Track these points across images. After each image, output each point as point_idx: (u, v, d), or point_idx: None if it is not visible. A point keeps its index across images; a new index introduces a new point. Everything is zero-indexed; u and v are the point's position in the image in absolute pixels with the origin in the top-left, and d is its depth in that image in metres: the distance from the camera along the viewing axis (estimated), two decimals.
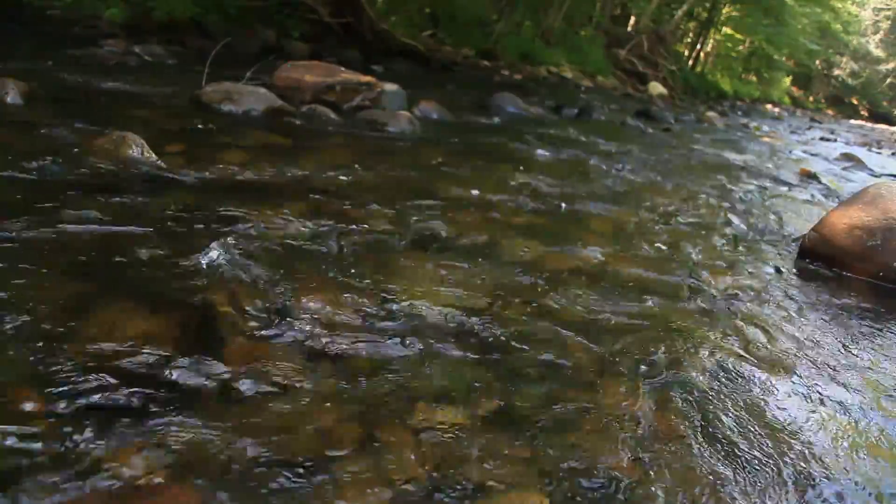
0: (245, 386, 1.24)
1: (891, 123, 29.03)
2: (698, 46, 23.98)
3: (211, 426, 1.10)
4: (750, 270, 2.53)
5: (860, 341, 1.99)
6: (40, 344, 1.24)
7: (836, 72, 38.22)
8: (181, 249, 1.77)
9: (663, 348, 1.70)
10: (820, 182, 5.22)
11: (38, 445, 1.00)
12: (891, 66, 37.92)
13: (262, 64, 5.07)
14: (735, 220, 3.40)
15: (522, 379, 1.43)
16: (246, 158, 2.89)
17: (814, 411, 1.52)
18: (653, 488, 1.15)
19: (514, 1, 14.08)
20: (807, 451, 1.34)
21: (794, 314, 2.13)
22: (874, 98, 38.08)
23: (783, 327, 1.99)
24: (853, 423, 1.49)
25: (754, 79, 29.52)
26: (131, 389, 1.16)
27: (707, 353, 1.73)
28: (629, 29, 20.21)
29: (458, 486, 1.07)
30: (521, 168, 3.74)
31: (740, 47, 27.30)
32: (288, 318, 1.51)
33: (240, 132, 3.45)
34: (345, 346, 1.44)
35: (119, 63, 5.15)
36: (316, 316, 1.54)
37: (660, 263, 2.42)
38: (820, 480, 1.25)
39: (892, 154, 10.47)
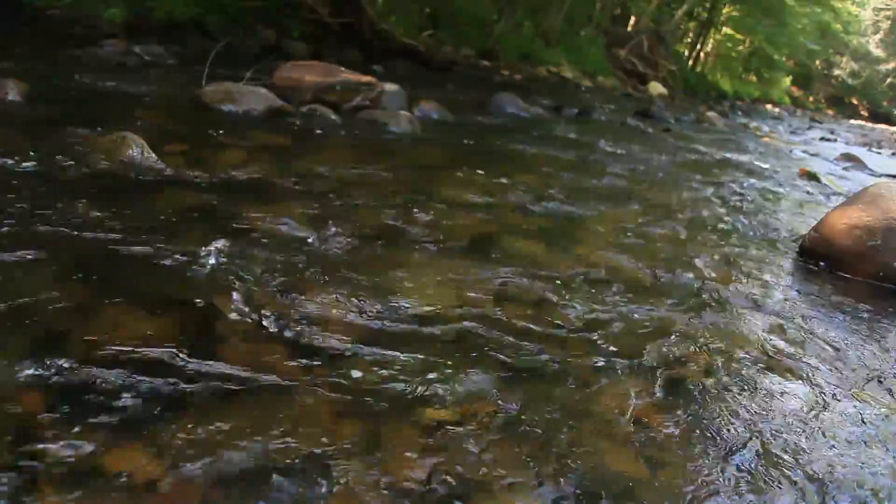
0: (244, 385, 1.24)
1: (891, 123, 28.97)
2: (698, 46, 23.94)
3: (211, 426, 1.10)
4: (749, 271, 2.53)
5: (860, 341, 1.99)
6: (41, 343, 1.24)
7: (836, 72, 38.18)
8: (181, 249, 1.77)
9: (663, 348, 1.70)
10: (820, 182, 5.21)
11: (38, 445, 1.00)
12: (891, 66, 37.90)
13: (262, 64, 5.06)
14: (735, 220, 3.40)
15: (523, 379, 1.43)
16: (246, 158, 2.89)
17: (814, 411, 1.52)
18: (654, 489, 1.15)
19: (514, 1, 14.06)
20: (807, 451, 1.34)
21: (793, 314, 2.13)
22: (874, 98, 38.00)
23: (783, 328, 1.99)
24: (854, 423, 1.49)
25: (754, 79, 29.47)
26: (131, 389, 1.16)
27: (706, 353, 1.73)
28: (629, 29, 20.19)
29: (459, 487, 1.07)
30: (521, 168, 3.74)
31: (740, 47, 27.27)
32: (287, 318, 1.51)
33: (240, 132, 3.45)
34: (344, 346, 1.44)
35: (119, 63, 5.15)
36: (315, 316, 1.54)
37: (659, 263, 2.42)
38: (819, 481, 1.25)
39: (893, 154, 10.47)
